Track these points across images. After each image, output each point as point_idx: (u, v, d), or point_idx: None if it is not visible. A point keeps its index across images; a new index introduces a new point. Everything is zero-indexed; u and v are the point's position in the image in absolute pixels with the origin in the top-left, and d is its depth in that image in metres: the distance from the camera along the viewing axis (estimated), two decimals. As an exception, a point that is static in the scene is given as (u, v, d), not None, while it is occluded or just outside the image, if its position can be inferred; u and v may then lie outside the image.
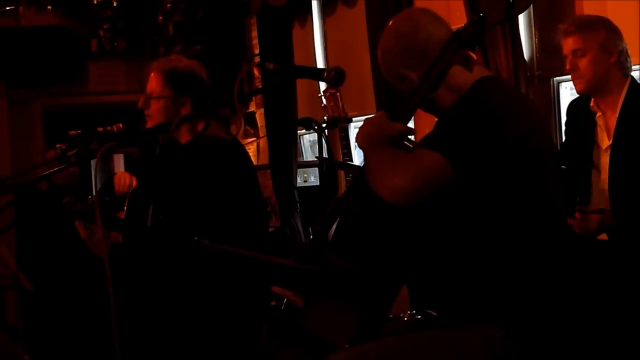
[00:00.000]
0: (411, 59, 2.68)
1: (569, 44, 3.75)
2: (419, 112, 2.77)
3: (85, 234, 3.80)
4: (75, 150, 3.66)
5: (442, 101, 2.68)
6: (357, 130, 2.62)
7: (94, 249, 3.79)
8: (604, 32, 3.69)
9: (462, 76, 2.63)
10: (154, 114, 3.75)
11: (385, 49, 2.76)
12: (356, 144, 2.66)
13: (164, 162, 3.84)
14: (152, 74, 3.80)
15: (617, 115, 3.66)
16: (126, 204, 3.85)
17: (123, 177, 3.90)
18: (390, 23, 2.78)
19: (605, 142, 3.74)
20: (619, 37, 3.71)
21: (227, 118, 7.14)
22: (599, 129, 3.78)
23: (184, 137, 3.80)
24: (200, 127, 3.78)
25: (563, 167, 3.76)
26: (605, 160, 3.71)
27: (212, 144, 3.69)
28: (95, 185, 3.74)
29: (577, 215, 3.62)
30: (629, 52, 3.75)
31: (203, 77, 3.82)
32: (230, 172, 3.64)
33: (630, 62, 3.75)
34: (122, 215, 3.88)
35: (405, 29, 2.71)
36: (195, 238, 3.18)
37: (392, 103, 5.16)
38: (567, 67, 3.77)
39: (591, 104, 3.79)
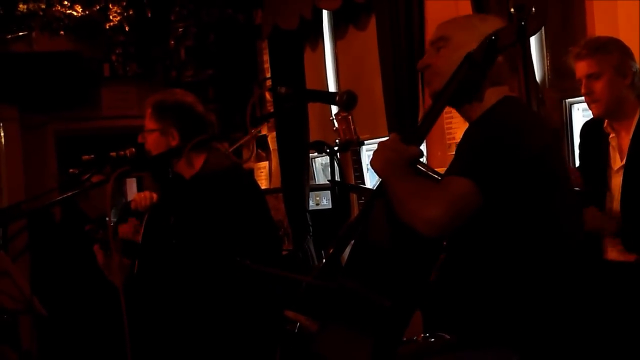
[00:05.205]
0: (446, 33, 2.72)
1: (582, 68, 3.72)
2: (430, 135, 2.77)
3: (103, 260, 3.86)
4: (88, 175, 3.69)
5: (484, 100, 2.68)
6: (369, 153, 2.62)
7: (110, 275, 3.84)
8: (617, 54, 3.65)
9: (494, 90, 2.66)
10: (150, 148, 3.81)
11: None
12: (372, 169, 2.64)
13: (171, 199, 3.85)
14: (147, 110, 3.86)
15: (630, 136, 3.64)
16: (143, 224, 3.87)
17: (143, 195, 3.92)
18: None
19: (617, 162, 3.72)
20: (632, 59, 3.68)
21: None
22: (611, 149, 3.76)
23: (185, 170, 3.81)
24: (195, 158, 3.79)
25: (577, 189, 3.75)
26: (616, 180, 3.70)
27: (218, 175, 3.71)
28: (109, 209, 3.76)
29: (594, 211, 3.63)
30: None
31: (193, 109, 3.84)
32: (240, 200, 3.66)
33: None
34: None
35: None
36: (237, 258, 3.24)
37: (403, 126, 5.17)
38: (583, 91, 3.73)
39: (605, 125, 3.77)
